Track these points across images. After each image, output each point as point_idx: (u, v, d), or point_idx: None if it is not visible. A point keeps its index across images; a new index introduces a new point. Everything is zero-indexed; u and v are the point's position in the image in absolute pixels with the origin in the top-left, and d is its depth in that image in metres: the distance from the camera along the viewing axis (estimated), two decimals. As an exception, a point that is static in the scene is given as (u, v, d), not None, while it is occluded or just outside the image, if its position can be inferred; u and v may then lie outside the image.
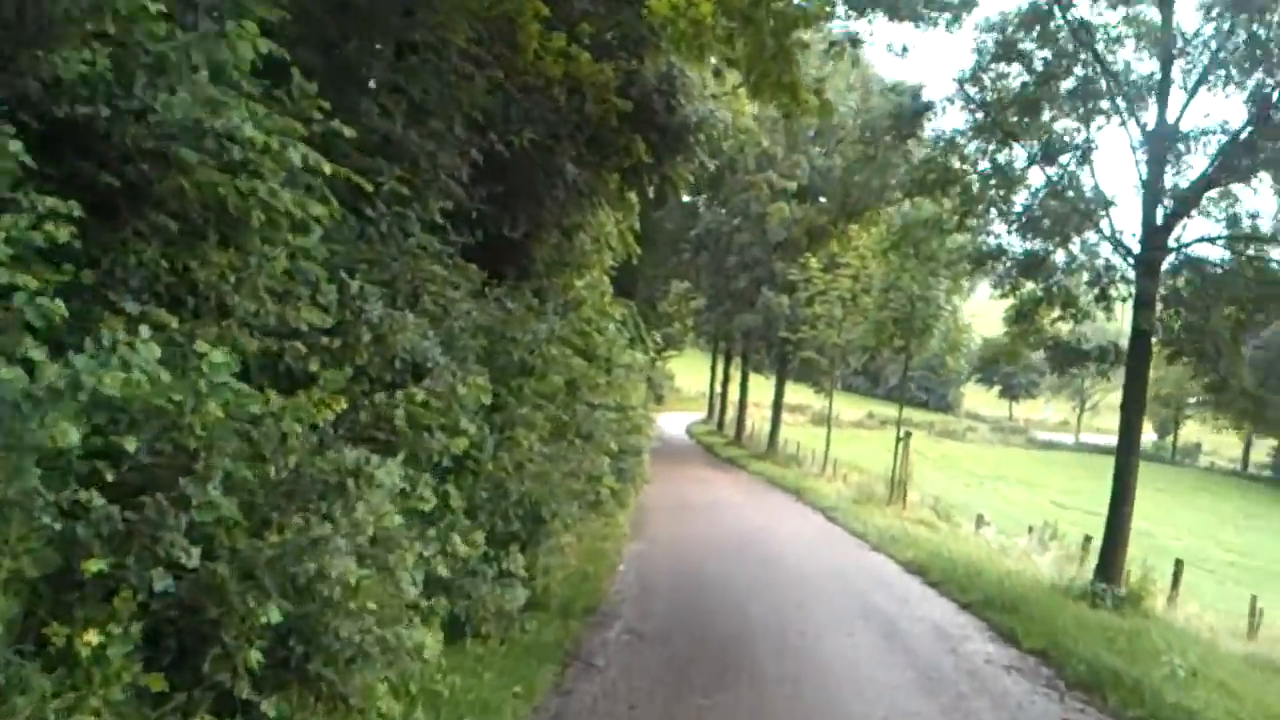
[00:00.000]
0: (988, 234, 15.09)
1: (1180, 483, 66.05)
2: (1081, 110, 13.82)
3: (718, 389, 51.36)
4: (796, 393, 78.98)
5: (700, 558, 13.29)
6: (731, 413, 48.16)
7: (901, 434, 20.99)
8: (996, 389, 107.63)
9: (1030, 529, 17.89)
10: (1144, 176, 13.23)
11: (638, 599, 10.10)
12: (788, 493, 23.37)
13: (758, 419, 49.42)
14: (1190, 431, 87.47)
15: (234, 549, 3.88)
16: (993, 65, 13.97)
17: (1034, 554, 15.88)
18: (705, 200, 33.70)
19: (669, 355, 73.16)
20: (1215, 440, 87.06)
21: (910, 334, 21.22)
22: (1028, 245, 14.33)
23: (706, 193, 33.75)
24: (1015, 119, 13.94)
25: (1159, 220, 13.09)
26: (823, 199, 30.78)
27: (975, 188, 14.44)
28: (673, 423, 52.40)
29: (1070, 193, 13.58)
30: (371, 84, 8.22)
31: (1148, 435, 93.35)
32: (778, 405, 35.50)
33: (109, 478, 3.45)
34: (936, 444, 74.11)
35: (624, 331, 16.79)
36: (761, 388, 53.12)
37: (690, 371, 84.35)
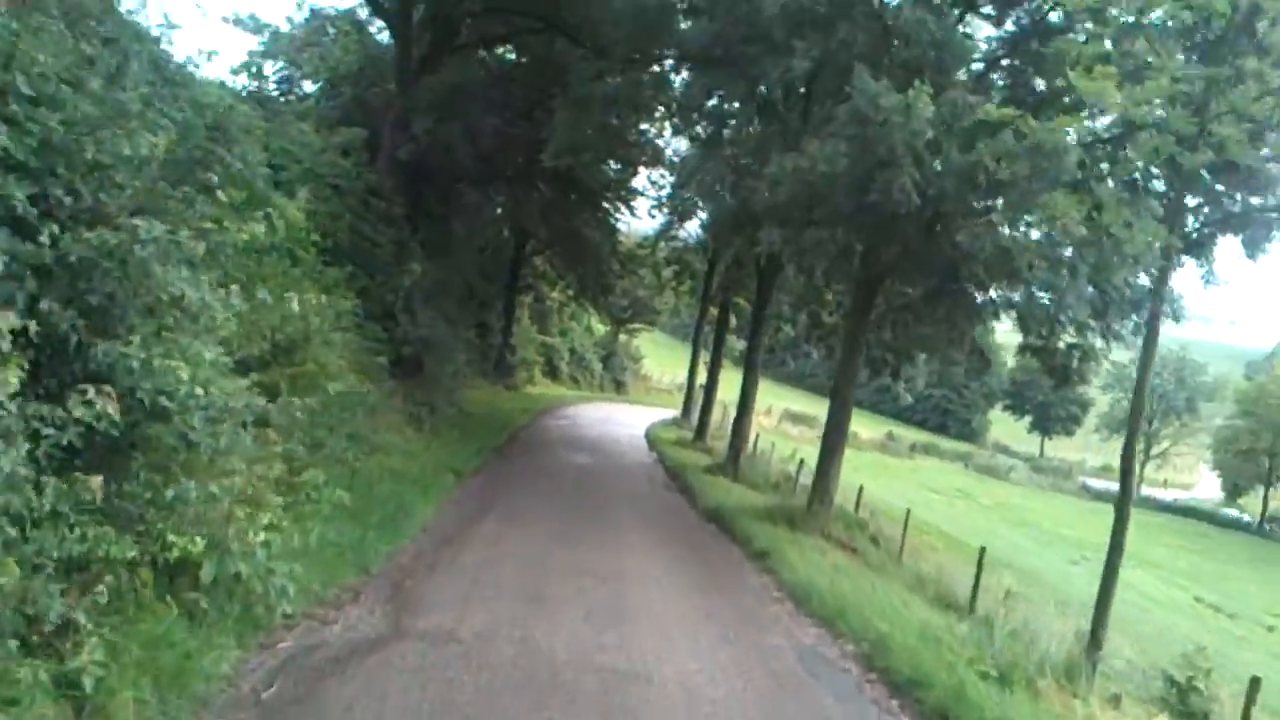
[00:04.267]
0: None
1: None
2: None
3: (699, 377, 32.13)
4: (780, 397, 59.93)
5: None
6: (720, 414, 28.89)
7: None
8: (1027, 419, 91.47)
9: None
10: None
11: None
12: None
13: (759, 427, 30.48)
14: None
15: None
16: None
17: None
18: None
19: (635, 328, 53.31)
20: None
21: None
22: None
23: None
24: None
25: None
26: None
27: None
28: (632, 421, 35.27)
29: None
30: None
31: (1213, 492, 77.35)
32: (841, 397, 15.09)
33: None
34: (980, 483, 56.48)
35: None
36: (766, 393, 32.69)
37: (665, 357, 65.71)
